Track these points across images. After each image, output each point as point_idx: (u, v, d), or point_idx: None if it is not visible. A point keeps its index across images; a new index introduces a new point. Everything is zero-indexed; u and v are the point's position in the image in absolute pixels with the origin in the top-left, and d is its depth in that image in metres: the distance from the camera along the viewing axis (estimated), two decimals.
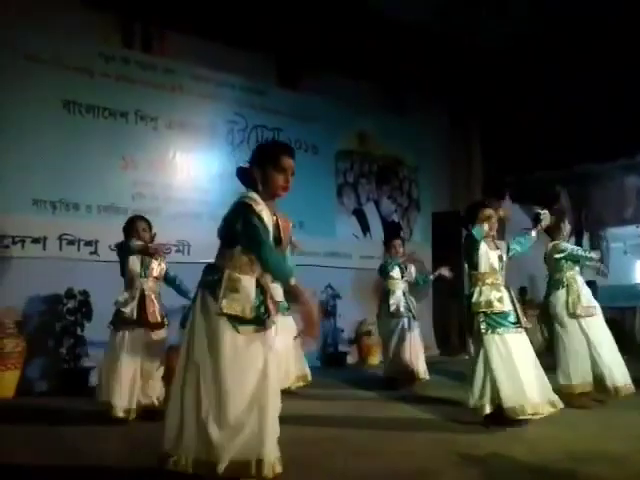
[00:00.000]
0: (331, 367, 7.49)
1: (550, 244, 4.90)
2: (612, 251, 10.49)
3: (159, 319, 4.36)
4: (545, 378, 3.89)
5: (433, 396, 5.09)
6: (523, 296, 9.08)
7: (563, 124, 8.42)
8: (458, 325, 9.27)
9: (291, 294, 2.65)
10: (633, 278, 11.13)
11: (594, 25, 7.03)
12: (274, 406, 2.60)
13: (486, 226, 4.02)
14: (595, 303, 4.75)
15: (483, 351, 3.89)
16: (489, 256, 4.04)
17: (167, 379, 4.34)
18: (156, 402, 4.22)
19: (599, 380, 4.54)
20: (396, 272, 5.89)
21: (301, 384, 5.26)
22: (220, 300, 2.56)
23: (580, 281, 4.79)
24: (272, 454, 2.51)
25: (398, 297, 5.79)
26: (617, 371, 4.53)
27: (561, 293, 4.74)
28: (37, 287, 5.79)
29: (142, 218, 4.53)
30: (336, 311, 7.94)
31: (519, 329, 3.94)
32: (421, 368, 5.70)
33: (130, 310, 4.25)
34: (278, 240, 2.71)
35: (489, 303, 3.93)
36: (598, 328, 4.66)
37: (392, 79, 8.82)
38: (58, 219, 6.15)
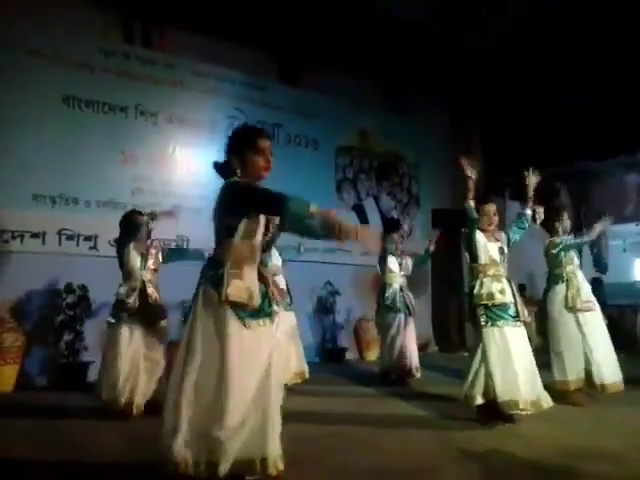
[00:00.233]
0: (330, 363, 7.51)
1: (547, 240, 4.92)
2: (611, 249, 10.50)
3: (159, 310, 4.36)
4: (538, 375, 3.89)
5: (432, 393, 5.10)
6: (522, 293, 9.07)
7: (563, 123, 8.41)
8: (457, 321, 9.30)
9: (324, 226, 2.59)
10: (632, 276, 11.12)
11: (594, 25, 7.02)
12: (276, 403, 2.58)
13: (485, 218, 4.04)
14: (593, 299, 4.75)
15: (481, 343, 3.90)
16: (488, 248, 4.04)
17: (168, 374, 4.36)
18: (158, 396, 4.21)
19: (588, 376, 4.56)
20: (394, 264, 5.89)
21: (298, 380, 5.26)
22: (224, 290, 2.52)
23: (580, 276, 4.79)
24: (275, 451, 2.48)
25: (394, 291, 5.80)
26: (606, 368, 4.52)
27: (560, 288, 4.75)
28: (36, 282, 5.80)
29: (140, 213, 4.54)
30: (335, 307, 7.95)
31: (518, 323, 3.94)
32: (414, 365, 5.71)
33: (132, 301, 4.26)
34: (266, 226, 2.69)
35: (490, 295, 3.93)
36: (594, 324, 4.66)
37: (393, 78, 8.83)
38: (57, 214, 6.15)
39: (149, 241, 4.53)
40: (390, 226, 6.21)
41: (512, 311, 3.93)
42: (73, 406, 4.51)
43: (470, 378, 3.91)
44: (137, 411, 4.11)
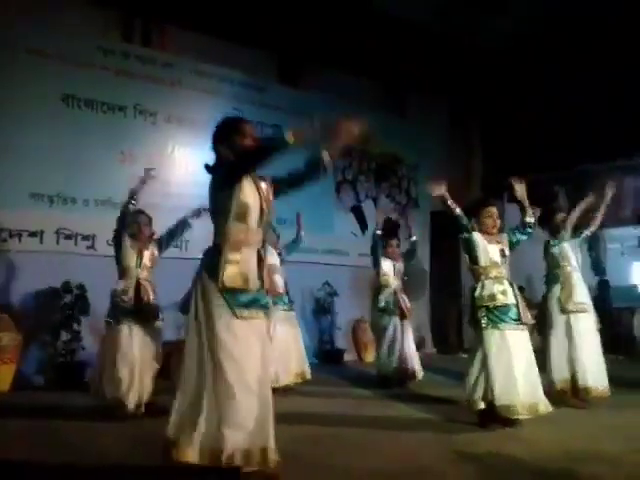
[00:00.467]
0: (328, 364, 7.50)
1: (545, 242, 4.94)
2: (609, 252, 10.49)
3: (153, 309, 4.32)
4: (539, 379, 3.87)
5: (430, 395, 5.09)
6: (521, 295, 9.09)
7: (562, 125, 8.43)
8: (455, 323, 9.30)
9: (309, 151, 2.67)
10: (630, 279, 11.12)
11: (594, 25, 7.03)
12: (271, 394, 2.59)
13: (488, 220, 4.03)
14: (588, 301, 4.73)
15: (481, 346, 3.87)
16: (488, 250, 4.01)
17: (163, 374, 4.34)
18: (154, 397, 4.20)
19: (573, 378, 4.54)
20: (388, 267, 5.88)
21: (299, 380, 5.25)
22: (221, 277, 2.54)
23: (576, 277, 4.77)
24: (272, 443, 2.50)
25: (388, 293, 5.79)
26: (591, 372, 4.50)
27: (556, 289, 4.77)
28: (34, 281, 5.78)
29: (143, 212, 4.52)
30: (333, 308, 7.94)
31: (520, 325, 3.90)
32: (416, 367, 5.69)
33: (128, 299, 4.24)
34: (261, 211, 2.69)
35: (492, 296, 3.90)
36: (585, 326, 4.64)
37: (392, 78, 8.83)
38: (55, 213, 6.14)
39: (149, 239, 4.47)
40: (388, 231, 6.22)
41: (514, 313, 3.89)
42: (70, 406, 4.49)
43: (471, 382, 3.88)
44: (138, 411, 4.10)
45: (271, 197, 2.78)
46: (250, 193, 2.65)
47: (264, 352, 2.59)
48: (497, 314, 3.88)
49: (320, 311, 7.93)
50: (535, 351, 3.99)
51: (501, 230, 4.19)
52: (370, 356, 7.88)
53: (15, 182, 5.87)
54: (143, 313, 4.25)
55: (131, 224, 4.40)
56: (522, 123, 8.87)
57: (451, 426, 3.90)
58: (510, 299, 3.92)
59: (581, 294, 4.73)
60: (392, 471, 2.97)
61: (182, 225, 4.57)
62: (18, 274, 5.68)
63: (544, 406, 3.76)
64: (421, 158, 9.61)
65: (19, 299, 5.75)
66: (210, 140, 2.78)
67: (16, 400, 4.92)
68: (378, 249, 5.88)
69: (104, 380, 4.17)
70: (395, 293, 5.80)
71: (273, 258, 5.13)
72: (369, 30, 7.49)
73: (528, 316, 3.96)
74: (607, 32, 7.06)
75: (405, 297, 5.87)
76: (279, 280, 5.13)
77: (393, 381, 5.63)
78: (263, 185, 2.75)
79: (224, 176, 2.66)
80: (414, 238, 6.04)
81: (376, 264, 5.91)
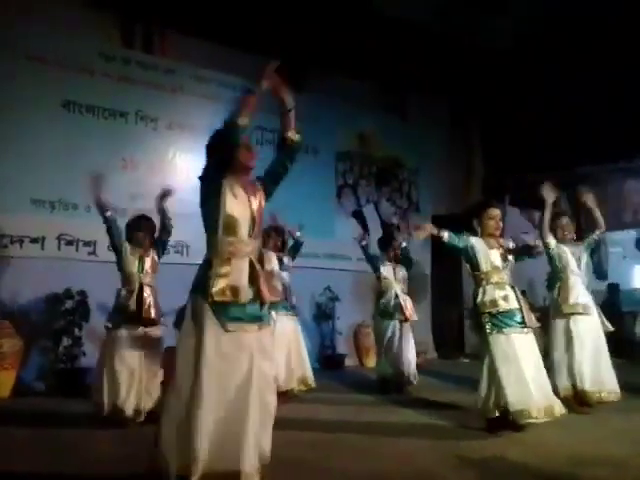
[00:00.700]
0: (329, 369, 7.48)
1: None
2: (611, 256, 10.47)
3: (153, 315, 4.30)
4: (548, 381, 3.84)
5: (431, 399, 5.07)
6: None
7: (563, 125, 8.42)
8: (457, 328, 9.28)
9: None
10: (632, 283, 11.09)
11: (594, 25, 7.03)
12: (257, 413, 2.48)
13: (491, 222, 4.01)
14: (588, 303, 4.66)
15: (488, 352, 3.83)
16: (489, 254, 3.98)
17: (165, 381, 4.32)
18: (158, 403, 4.18)
19: (573, 383, 4.50)
20: (388, 271, 5.87)
21: (302, 388, 5.20)
22: (210, 291, 2.51)
23: (574, 280, 4.71)
24: (250, 465, 2.40)
25: (389, 297, 5.78)
26: (590, 376, 4.45)
27: (555, 292, 4.76)
28: (35, 287, 5.78)
29: (147, 219, 4.51)
30: (335, 313, 7.93)
31: (525, 329, 3.85)
32: (411, 373, 5.65)
33: (131, 304, 4.23)
34: (252, 221, 2.66)
35: (494, 302, 3.86)
36: (584, 329, 4.58)
37: (393, 79, 8.83)
38: (57, 219, 6.14)
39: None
40: (389, 235, 6.23)
41: (518, 317, 3.85)
42: (71, 412, 4.47)
43: (483, 390, 3.85)
44: (138, 418, 4.08)
45: (263, 204, 2.74)
46: (237, 204, 2.62)
47: (254, 367, 2.51)
48: (501, 319, 3.84)
49: (321, 316, 7.92)
50: (542, 354, 3.97)
51: (502, 234, 4.16)
52: (371, 361, 7.85)
53: (16, 188, 5.87)
54: (146, 319, 4.25)
55: (133, 230, 4.40)
56: (522, 124, 8.87)
57: (453, 431, 3.89)
58: (513, 304, 3.88)
59: (579, 297, 4.66)
60: (391, 475, 2.97)
61: (162, 217, 4.51)
62: (19, 280, 5.67)
63: (559, 407, 3.72)
64: (422, 160, 9.62)
65: (20, 305, 5.74)
66: (205, 152, 2.78)
67: (16, 406, 4.92)
68: (370, 257, 5.95)
69: (103, 386, 4.14)
70: (397, 296, 5.79)
71: (271, 264, 5.13)
72: (369, 31, 7.49)
73: (533, 319, 3.92)
74: (607, 32, 7.04)
75: (408, 300, 5.85)
76: (277, 286, 5.11)
77: (391, 386, 5.60)
78: (255, 194, 2.72)
79: (203, 189, 2.67)
80: (404, 244, 6.00)
81: (375, 269, 5.91)
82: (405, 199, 9.56)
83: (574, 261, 4.78)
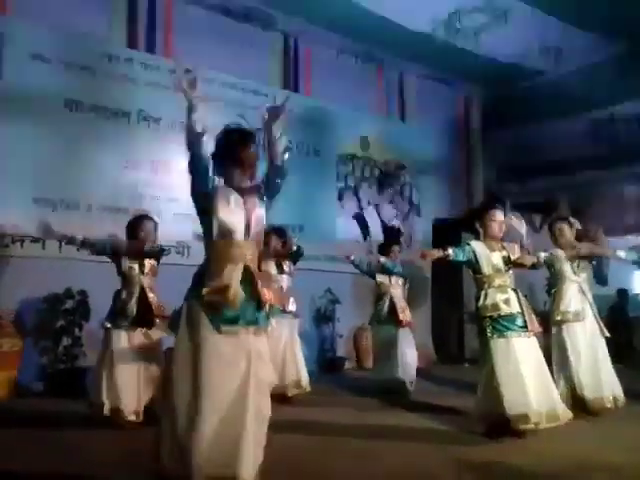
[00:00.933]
0: (329, 372, 7.46)
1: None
2: (612, 261, 10.46)
3: (154, 317, 4.29)
4: (552, 385, 3.82)
5: (432, 403, 5.06)
6: None
7: (564, 130, 8.42)
8: (457, 333, 9.26)
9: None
10: (633, 288, 11.09)
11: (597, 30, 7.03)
12: (256, 415, 2.47)
13: (494, 224, 4.00)
14: (577, 309, 4.60)
15: (488, 356, 3.82)
16: (491, 257, 3.97)
17: (165, 382, 4.31)
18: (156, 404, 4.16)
19: (572, 389, 4.48)
20: (384, 276, 5.86)
21: (295, 391, 5.17)
22: (202, 293, 2.52)
23: (567, 286, 4.70)
24: (248, 471, 2.38)
25: (383, 302, 5.77)
26: (587, 383, 4.43)
27: (552, 300, 4.76)
28: (36, 287, 5.76)
29: (149, 218, 4.49)
30: (335, 316, 7.91)
31: (527, 333, 3.83)
32: (407, 378, 5.61)
33: (131, 307, 4.22)
34: (248, 225, 2.64)
35: (495, 306, 3.85)
36: (578, 336, 4.55)
37: (395, 84, 8.83)
38: (58, 218, 6.10)
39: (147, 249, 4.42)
40: (390, 237, 6.21)
41: (520, 321, 3.83)
42: (71, 413, 4.45)
43: (482, 396, 3.85)
44: (136, 419, 4.06)
45: (262, 207, 2.70)
46: (231, 210, 2.60)
47: (251, 370, 2.49)
48: (503, 323, 3.82)
49: (322, 319, 7.90)
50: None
51: (503, 238, 4.14)
52: (371, 364, 7.84)
53: (18, 187, 5.87)
54: (146, 320, 4.23)
55: (135, 230, 4.38)
56: (524, 129, 8.87)
57: (454, 435, 3.88)
58: (515, 308, 3.87)
59: (571, 304, 4.63)
60: (392, 479, 2.95)
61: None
62: (20, 280, 5.66)
63: (563, 412, 3.69)
64: (423, 164, 9.61)
65: (20, 305, 5.73)
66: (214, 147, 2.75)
67: (15, 407, 4.91)
68: (364, 271, 5.99)
69: (102, 387, 4.12)
70: (391, 301, 5.75)
71: (269, 267, 5.11)
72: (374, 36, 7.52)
73: (535, 323, 3.90)
74: (609, 36, 7.04)
75: (404, 304, 5.80)
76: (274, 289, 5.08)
77: (388, 390, 5.54)
78: (253, 197, 2.68)
79: (199, 196, 2.65)
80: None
81: (373, 277, 5.92)
82: (406, 202, 9.56)
83: (569, 267, 4.76)
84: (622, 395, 4.50)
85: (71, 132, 6.30)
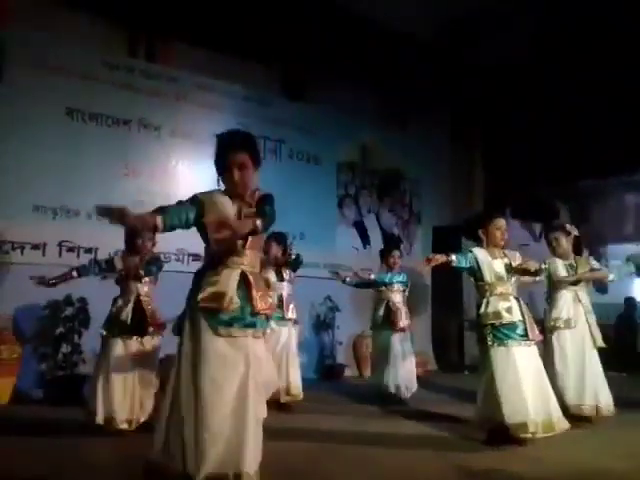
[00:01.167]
0: (329, 380, 7.44)
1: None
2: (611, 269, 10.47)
3: (150, 326, 4.27)
4: (551, 395, 3.80)
5: (431, 411, 5.05)
6: None
7: (565, 138, 8.45)
8: (457, 340, 9.25)
9: None
10: (636, 296, 11.10)
11: (597, 36, 7.06)
12: (255, 416, 2.51)
13: (497, 232, 4.00)
14: (568, 316, 4.60)
15: (488, 364, 3.81)
16: (493, 265, 3.97)
17: (162, 390, 4.30)
18: (152, 413, 4.15)
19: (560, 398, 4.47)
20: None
21: (287, 397, 5.11)
22: (198, 297, 2.55)
23: (561, 294, 4.70)
24: (252, 467, 2.42)
25: (380, 308, 5.77)
26: (570, 389, 4.42)
27: (549, 308, 4.76)
28: (35, 293, 5.71)
29: None
30: (334, 323, 7.90)
31: (528, 342, 3.82)
32: (404, 385, 5.58)
33: (125, 315, 4.21)
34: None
35: (497, 314, 3.84)
36: (567, 343, 4.56)
37: (394, 92, 8.86)
38: (58, 225, 6.14)
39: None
40: (390, 244, 6.23)
41: (521, 330, 3.83)
42: (70, 420, 4.42)
43: (480, 404, 3.84)
44: (130, 428, 4.04)
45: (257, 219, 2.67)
46: (227, 215, 2.61)
47: (250, 371, 2.51)
48: (504, 331, 3.81)
49: (321, 326, 7.90)
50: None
51: (504, 246, 4.14)
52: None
53: (18, 194, 5.89)
54: (143, 329, 4.23)
55: (132, 238, 4.40)
56: (524, 136, 8.90)
57: (453, 443, 3.87)
58: (516, 316, 3.86)
59: (562, 311, 4.63)
60: None
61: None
62: (20, 286, 5.65)
63: (560, 422, 3.67)
64: (423, 171, 9.64)
65: (20, 312, 5.73)
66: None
67: (14, 414, 4.89)
68: (361, 285, 6.07)
69: (97, 394, 4.09)
70: (388, 307, 5.74)
71: (268, 275, 5.11)
72: (371, 44, 7.54)
73: (536, 332, 3.89)
74: (611, 44, 7.07)
75: (403, 310, 5.78)
76: (273, 297, 5.07)
77: (385, 397, 5.52)
78: (250, 205, 2.67)
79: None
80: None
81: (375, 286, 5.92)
82: (406, 210, 9.58)
83: (566, 275, 4.74)
84: (611, 405, 4.46)
85: (72, 140, 6.33)
